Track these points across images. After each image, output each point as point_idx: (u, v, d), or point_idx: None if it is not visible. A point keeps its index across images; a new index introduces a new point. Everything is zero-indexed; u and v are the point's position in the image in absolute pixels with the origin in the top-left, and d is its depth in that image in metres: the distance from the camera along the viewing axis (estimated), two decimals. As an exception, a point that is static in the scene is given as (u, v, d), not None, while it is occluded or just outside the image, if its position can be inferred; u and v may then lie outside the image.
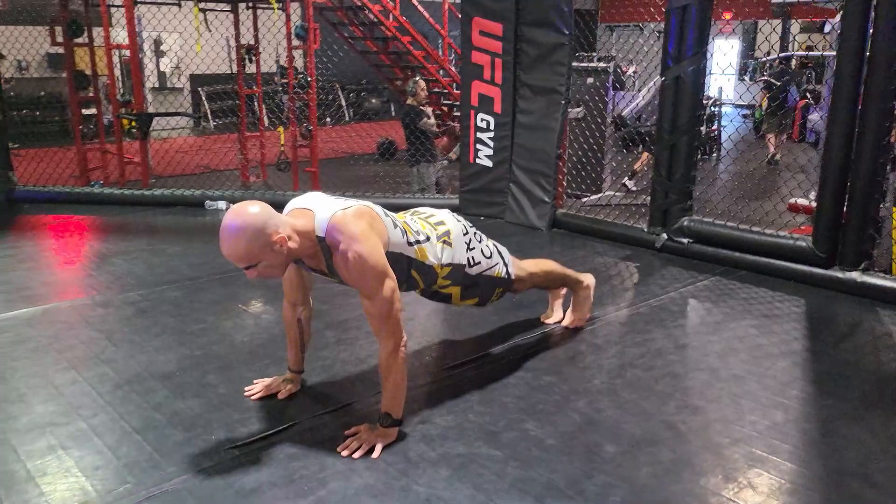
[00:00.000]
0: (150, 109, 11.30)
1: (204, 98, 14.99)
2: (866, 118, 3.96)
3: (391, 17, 10.11)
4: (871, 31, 3.91)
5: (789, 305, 4.03)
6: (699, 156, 5.22)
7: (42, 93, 13.31)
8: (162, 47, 14.78)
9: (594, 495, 2.22)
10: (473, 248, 2.96)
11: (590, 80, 7.71)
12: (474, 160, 5.98)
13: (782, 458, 2.44)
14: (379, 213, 2.56)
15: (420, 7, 10.47)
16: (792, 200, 6.43)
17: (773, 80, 11.17)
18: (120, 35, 8.81)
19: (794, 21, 17.45)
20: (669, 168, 4.89)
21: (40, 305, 3.90)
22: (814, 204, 4.46)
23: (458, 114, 7.70)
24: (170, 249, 5.14)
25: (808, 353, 3.48)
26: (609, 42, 13.36)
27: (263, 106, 9.20)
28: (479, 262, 2.98)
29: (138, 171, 7.36)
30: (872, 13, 3.89)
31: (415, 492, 2.24)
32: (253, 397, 2.83)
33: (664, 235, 4.97)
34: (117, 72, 10.77)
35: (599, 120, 7.48)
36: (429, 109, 7.81)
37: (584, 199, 6.98)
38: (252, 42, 8.42)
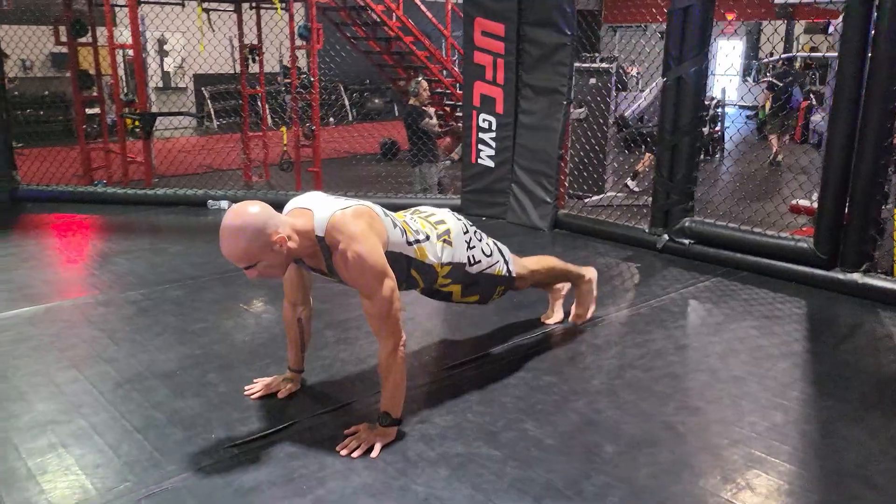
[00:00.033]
0: (154, 109, 11.31)
1: (207, 98, 15.01)
2: (868, 119, 3.96)
3: (394, 17, 10.12)
4: (873, 31, 3.91)
5: (790, 307, 4.02)
6: (702, 157, 5.21)
7: (46, 92, 13.33)
8: (166, 47, 14.80)
9: (592, 496, 2.23)
10: (474, 247, 2.96)
11: (592, 80, 7.71)
12: (476, 160, 5.98)
13: (781, 460, 2.44)
14: (378, 212, 2.57)
15: (423, 7, 10.48)
16: (794, 202, 6.43)
17: (775, 81, 11.15)
18: (123, 35, 8.83)
19: (797, 22, 17.42)
20: (671, 169, 4.89)
21: (42, 304, 3.91)
22: (815, 205, 4.46)
23: (461, 114, 7.70)
24: (172, 249, 5.15)
25: (809, 354, 3.48)
26: (612, 43, 13.36)
27: (267, 106, 9.21)
28: (480, 261, 2.98)
29: (141, 170, 7.38)
30: (874, 14, 3.89)
31: (413, 491, 2.24)
32: (253, 396, 2.84)
33: (665, 236, 4.97)
34: (121, 71, 10.81)
35: (601, 121, 7.47)
36: (431, 110, 7.81)
37: (586, 200, 6.98)
38: (255, 42, 8.44)
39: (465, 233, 2.93)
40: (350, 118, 16.38)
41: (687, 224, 4.86)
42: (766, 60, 14.69)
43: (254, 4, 8.32)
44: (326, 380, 3.02)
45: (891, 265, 4.22)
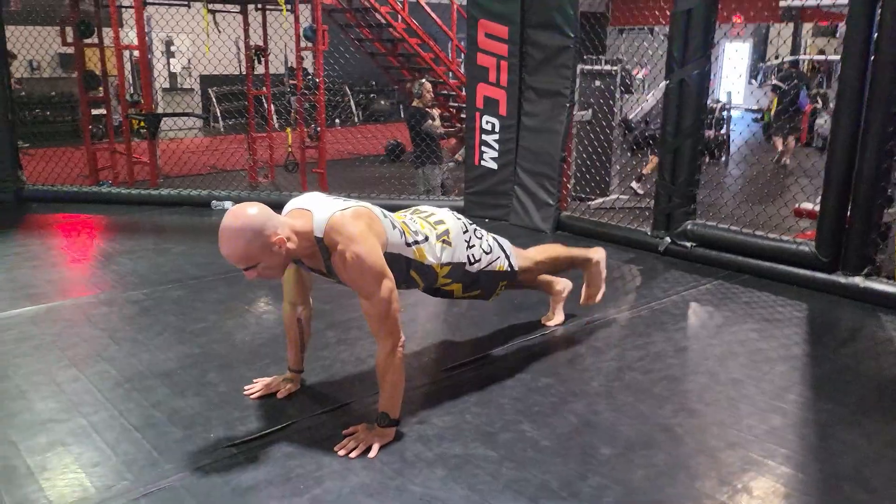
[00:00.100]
0: (161, 110, 11.38)
1: (214, 99, 15.06)
2: (870, 122, 3.95)
3: (399, 18, 10.14)
4: (876, 34, 3.90)
5: (791, 310, 4.02)
6: (707, 160, 5.21)
7: (53, 93, 13.41)
8: (172, 48, 14.86)
9: (588, 496, 2.23)
10: (473, 246, 2.96)
11: (597, 83, 7.71)
12: (479, 162, 5.99)
13: (778, 462, 2.44)
14: (377, 213, 2.58)
15: (428, 9, 10.50)
16: (797, 205, 6.41)
17: (779, 84, 11.13)
18: (129, 35, 8.87)
19: (803, 24, 17.39)
20: (673, 172, 4.89)
21: (44, 304, 3.93)
22: (819, 208, 4.45)
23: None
24: (175, 249, 5.17)
25: (808, 357, 3.47)
26: (616, 45, 13.34)
27: (272, 107, 9.24)
28: (480, 259, 2.99)
29: (146, 170, 7.41)
30: (878, 16, 3.88)
31: (410, 491, 2.25)
32: (252, 396, 2.85)
33: (667, 239, 4.97)
34: (128, 72, 10.85)
35: (604, 123, 7.48)
36: (435, 111, 7.82)
37: (590, 203, 6.98)
38: (261, 43, 8.46)
39: (464, 232, 2.94)
40: (356, 120, 16.42)
41: (689, 227, 4.86)
42: (771, 63, 14.67)
43: (259, 6, 8.36)
44: (326, 380, 3.03)
45: (893, 269, 4.22)
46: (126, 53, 8.03)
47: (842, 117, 4.08)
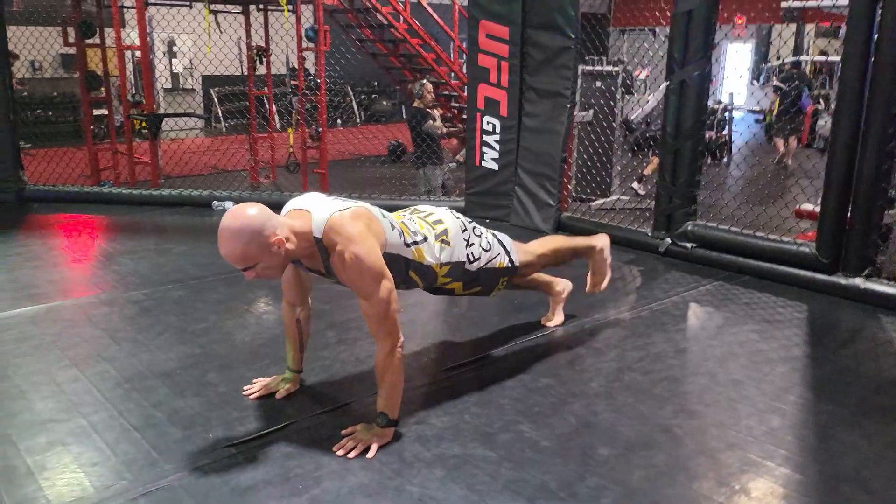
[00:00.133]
0: (163, 110, 11.39)
1: (215, 99, 15.08)
2: (871, 123, 3.94)
3: (401, 19, 10.14)
4: (877, 35, 3.89)
5: (791, 311, 4.02)
6: (709, 161, 5.20)
7: (55, 93, 13.43)
8: (174, 48, 14.88)
9: (586, 497, 2.23)
10: (472, 244, 2.96)
11: (598, 83, 7.71)
12: (480, 163, 5.99)
13: (777, 464, 2.44)
14: (376, 214, 2.58)
15: (430, 9, 10.50)
16: (798, 206, 6.40)
17: (780, 85, 11.13)
18: (131, 36, 8.89)
19: (805, 25, 17.38)
20: (673, 173, 4.89)
21: (45, 304, 3.94)
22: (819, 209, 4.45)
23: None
24: (176, 249, 5.18)
25: (808, 358, 3.47)
26: (617, 46, 13.34)
27: (274, 107, 9.26)
28: (479, 258, 2.99)
29: (148, 171, 7.42)
30: (878, 17, 3.87)
31: (408, 492, 2.25)
32: (251, 396, 2.85)
33: (668, 240, 4.97)
34: (129, 73, 10.87)
35: (605, 124, 7.48)
36: (437, 112, 7.83)
37: (591, 203, 6.98)
38: (263, 44, 8.47)
39: (463, 230, 2.94)
40: (357, 120, 16.43)
41: (689, 228, 4.86)
42: (772, 64, 14.66)
43: (261, 6, 8.36)
44: (325, 380, 3.03)
45: (893, 270, 4.21)
46: (128, 54, 8.07)
47: (842, 118, 4.07)
